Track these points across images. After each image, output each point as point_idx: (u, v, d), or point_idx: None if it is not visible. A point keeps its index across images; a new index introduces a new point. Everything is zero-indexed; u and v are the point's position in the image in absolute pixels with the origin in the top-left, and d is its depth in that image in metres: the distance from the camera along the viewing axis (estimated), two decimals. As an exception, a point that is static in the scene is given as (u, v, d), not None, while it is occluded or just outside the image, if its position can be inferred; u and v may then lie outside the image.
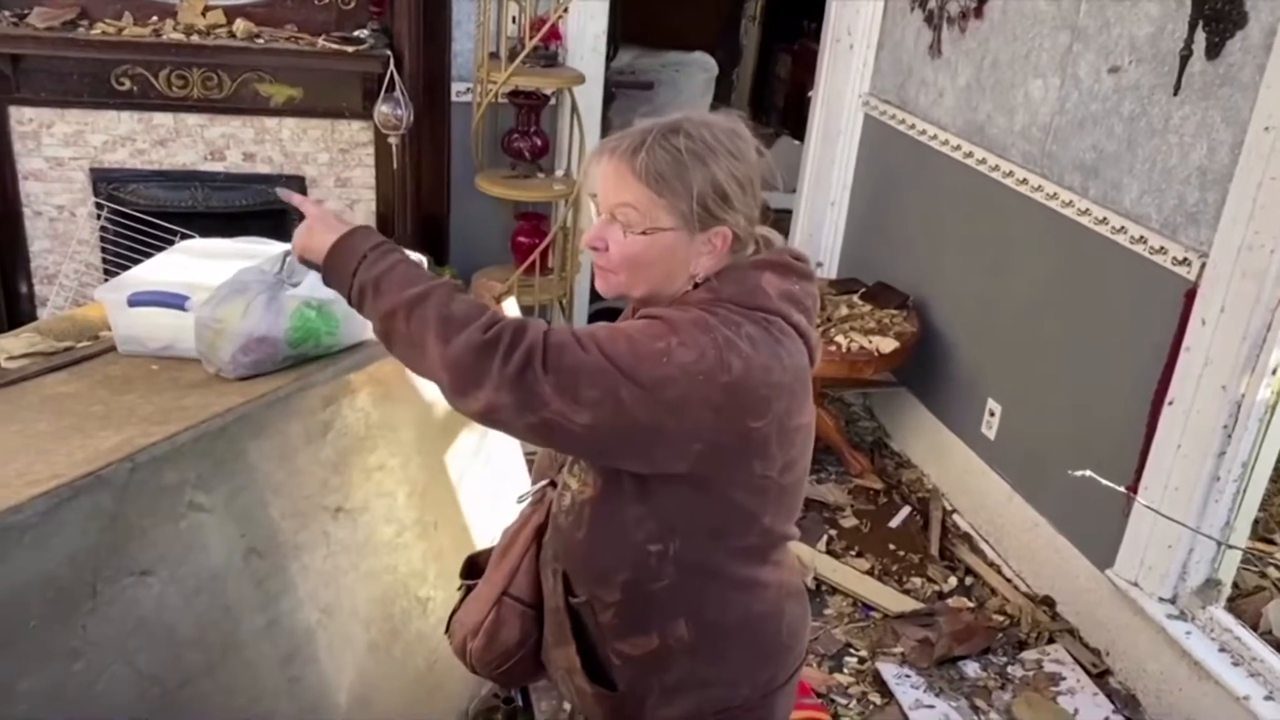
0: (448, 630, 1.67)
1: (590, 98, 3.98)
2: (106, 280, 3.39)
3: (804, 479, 1.45)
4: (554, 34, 3.70)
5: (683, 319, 1.27)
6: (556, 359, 1.23)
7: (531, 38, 3.57)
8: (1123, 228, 2.73)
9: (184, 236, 3.00)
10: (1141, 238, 2.66)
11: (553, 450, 1.47)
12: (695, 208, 1.29)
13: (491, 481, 2.30)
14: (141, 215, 3.51)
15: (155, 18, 3.51)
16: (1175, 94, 2.55)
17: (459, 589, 1.69)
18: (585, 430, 1.23)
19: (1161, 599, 2.64)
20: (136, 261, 2.69)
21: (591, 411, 1.22)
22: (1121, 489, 2.44)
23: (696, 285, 1.34)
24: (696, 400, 1.23)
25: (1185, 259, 2.53)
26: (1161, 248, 2.60)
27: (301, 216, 1.48)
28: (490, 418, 1.26)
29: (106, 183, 3.65)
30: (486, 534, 2.18)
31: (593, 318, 4.36)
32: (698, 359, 1.23)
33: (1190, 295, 2.51)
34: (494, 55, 3.72)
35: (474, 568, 1.67)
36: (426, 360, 1.29)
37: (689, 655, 1.41)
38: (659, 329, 1.27)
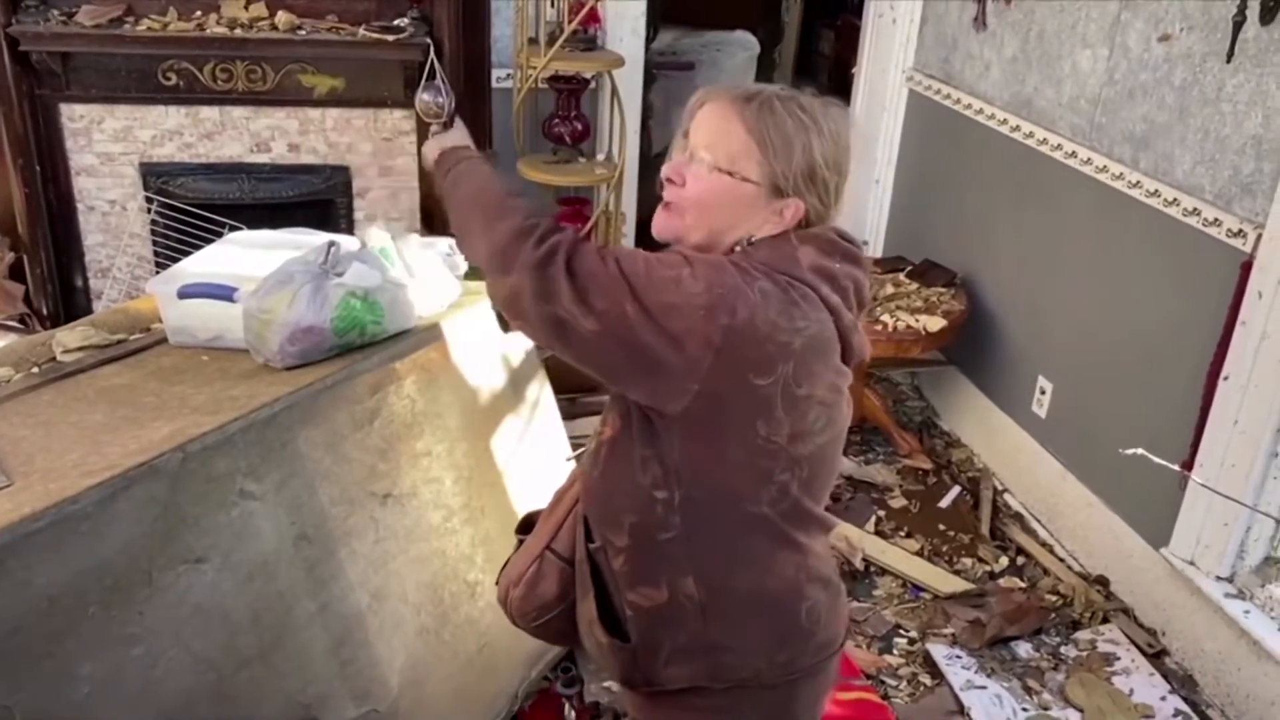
0: (498, 581, 1.71)
1: (630, 80, 3.96)
2: (159, 273, 3.46)
3: (829, 459, 1.44)
4: (593, 17, 3.68)
5: (702, 258, 1.32)
6: (578, 262, 1.29)
7: (570, 22, 3.56)
8: (1175, 200, 2.67)
9: (233, 228, 3.03)
10: (1195, 210, 2.61)
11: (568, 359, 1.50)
12: (783, 172, 1.33)
13: (536, 467, 2.31)
14: (190, 208, 3.56)
15: (199, 12, 3.55)
16: (1228, 61, 2.49)
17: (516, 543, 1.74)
18: (593, 336, 1.28)
19: (1219, 578, 2.60)
20: (188, 254, 2.73)
21: (598, 320, 1.27)
22: (1175, 467, 2.39)
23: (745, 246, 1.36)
24: (698, 337, 1.26)
25: (1240, 230, 2.47)
26: (1215, 219, 2.54)
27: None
28: (514, 306, 1.33)
29: (156, 177, 3.70)
30: (533, 518, 2.19)
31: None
32: (704, 292, 1.26)
33: (1246, 267, 2.45)
34: (533, 40, 3.72)
35: (529, 525, 1.72)
36: (486, 240, 1.37)
37: (699, 616, 1.42)
38: (675, 260, 1.31)
